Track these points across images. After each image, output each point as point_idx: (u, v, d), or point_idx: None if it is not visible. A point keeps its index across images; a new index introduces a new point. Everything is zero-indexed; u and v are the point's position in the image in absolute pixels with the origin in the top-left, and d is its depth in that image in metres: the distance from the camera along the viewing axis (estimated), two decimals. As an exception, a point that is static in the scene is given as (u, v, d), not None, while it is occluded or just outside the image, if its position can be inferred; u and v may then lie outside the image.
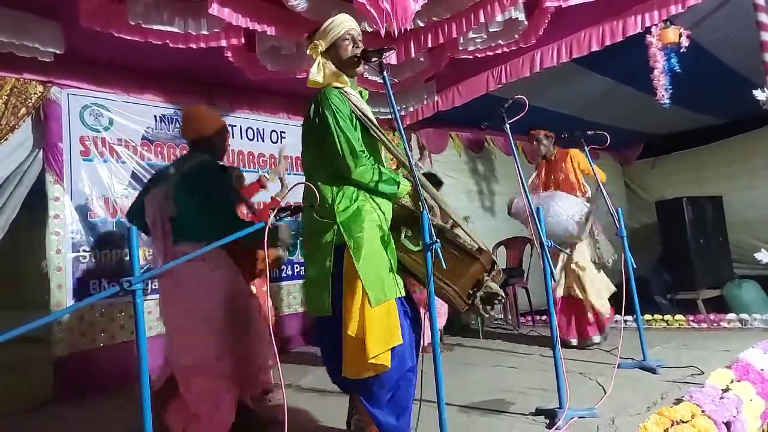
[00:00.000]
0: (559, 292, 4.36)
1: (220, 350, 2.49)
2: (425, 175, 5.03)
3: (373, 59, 2.25)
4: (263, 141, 5.22)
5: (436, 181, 4.87)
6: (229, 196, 2.74)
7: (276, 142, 5.28)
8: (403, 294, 2.25)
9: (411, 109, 5.86)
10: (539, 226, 2.83)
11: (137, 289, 1.29)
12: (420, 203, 2.17)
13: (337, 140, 2.17)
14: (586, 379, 3.28)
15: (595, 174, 4.05)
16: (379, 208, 2.26)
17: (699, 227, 7.54)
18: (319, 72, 2.29)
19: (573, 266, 4.31)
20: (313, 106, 2.27)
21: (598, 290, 4.28)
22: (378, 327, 2.08)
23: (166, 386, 2.55)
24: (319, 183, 2.23)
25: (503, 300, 2.34)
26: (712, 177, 8.41)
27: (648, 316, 5.09)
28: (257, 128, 5.21)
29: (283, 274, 5.08)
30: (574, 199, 4.26)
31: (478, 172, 7.34)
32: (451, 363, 4.09)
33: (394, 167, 3.51)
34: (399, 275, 2.24)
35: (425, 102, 5.73)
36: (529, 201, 2.93)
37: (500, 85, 5.25)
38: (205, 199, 2.57)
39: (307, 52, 2.38)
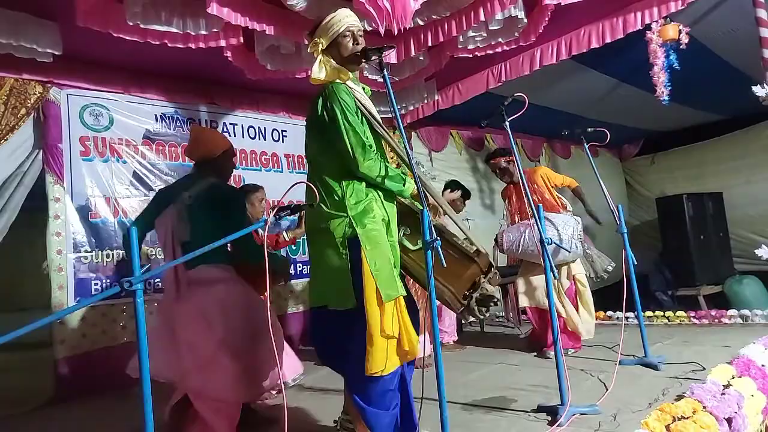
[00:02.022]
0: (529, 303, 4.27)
1: (236, 373, 2.49)
2: (453, 183, 5.04)
3: (373, 58, 2.25)
4: (264, 139, 5.21)
5: (464, 191, 4.86)
6: (245, 218, 2.77)
7: (277, 141, 5.28)
8: (405, 293, 2.25)
9: (411, 108, 5.85)
10: (540, 224, 2.83)
11: (138, 289, 1.29)
12: (421, 201, 2.18)
13: (345, 135, 2.18)
14: (588, 376, 3.28)
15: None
16: (384, 206, 2.27)
17: (699, 223, 7.55)
18: (321, 70, 2.28)
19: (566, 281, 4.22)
20: (320, 100, 2.27)
21: (589, 312, 4.17)
22: (408, 323, 2.13)
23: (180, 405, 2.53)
24: (326, 177, 2.24)
25: (498, 302, 2.34)
26: (712, 173, 8.40)
27: (649, 313, 5.10)
28: (258, 127, 5.19)
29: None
30: (563, 217, 4.09)
31: (479, 170, 7.33)
32: (452, 361, 4.10)
33: (395, 165, 3.48)
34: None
35: (426, 100, 5.72)
36: (529, 198, 2.93)
37: (500, 83, 5.25)
38: (222, 221, 2.57)
39: (308, 50, 2.37)
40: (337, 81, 2.27)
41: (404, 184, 2.27)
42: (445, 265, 2.06)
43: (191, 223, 2.60)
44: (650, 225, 8.71)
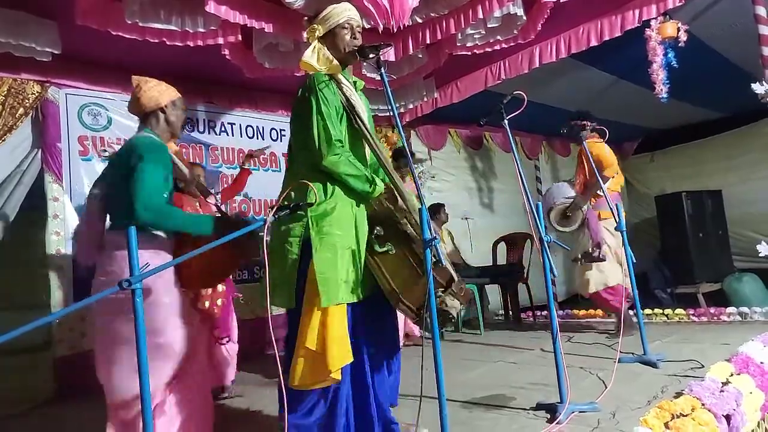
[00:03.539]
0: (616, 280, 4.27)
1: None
2: (398, 150, 4.99)
3: (371, 56, 2.24)
4: (263, 138, 5.21)
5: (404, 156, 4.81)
6: (162, 181, 2.15)
7: (276, 140, 5.27)
8: (360, 298, 2.15)
9: (410, 106, 5.85)
10: (538, 222, 2.83)
11: (137, 289, 1.28)
12: (419, 199, 2.16)
13: (315, 126, 2.14)
14: (587, 374, 3.28)
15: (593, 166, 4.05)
16: (352, 208, 2.20)
17: (699, 221, 7.55)
18: (313, 55, 2.25)
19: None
20: (300, 90, 2.25)
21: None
22: (337, 339, 2.02)
23: None
24: (296, 173, 2.21)
25: (453, 320, 2.25)
26: (711, 171, 8.37)
27: (648, 311, 5.11)
28: (257, 126, 5.21)
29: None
30: (561, 191, 4.26)
31: (477, 168, 7.34)
32: (451, 359, 4.10)
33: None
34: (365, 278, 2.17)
35: (424, 98, 5.72)
36: (528, 196, 2.93)
37: (499, 81, 5.25)
38: (130, 179, 2.07)
39: (304, 35, 2.34)
40: (322, 72, 2.23)
41: (370, 186, 2.20)
42: (443, 265, 2.06)
43: (106, 186, 2.29)
44: (650, 223, 8.70)
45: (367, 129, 2.27)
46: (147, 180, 2.01)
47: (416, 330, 4.59)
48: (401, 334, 4.18)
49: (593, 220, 4.40)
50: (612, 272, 4.29)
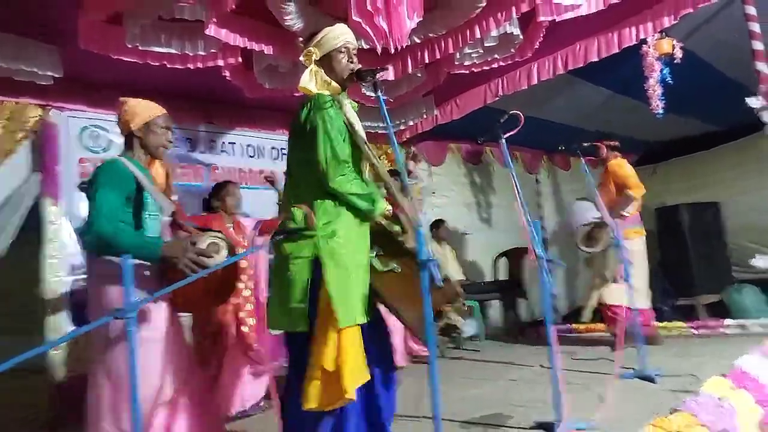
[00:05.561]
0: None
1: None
2: (390, 171, 5.04)
3: (368, 79, 2.28)
4: (263, 157, 5.25)
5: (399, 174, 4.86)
6: (117, 205, 2.11)
7: (276, 159, 5.30)
8: (369, 319, 2.19)
9: (410, 123, 5.90)
10: (536, 239, 2.86)
11: (131, 318, 1.29)
12: (415, 219, 2.18)
13: (322, 146, 2.14)
14: (586, 390, 3.29)
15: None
16: (358, 227, 2.22)
17: (698, 233, 7.57)
18: (311, 80, 2.27)
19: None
20: (305, 109, 2.24)
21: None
22: (352, 359, 2.03)
23: None
24: (301, 194, 2.22)
25: (459, 333, 2.31)
26: (710, 183, 8.40)
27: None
28: (257, 145, 5.22)
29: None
30: (583, 210, 4.24)
31: (476, 184, 7.38)
32: (450, 376, 4.11)
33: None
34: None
35: (424, 116, 5.78)
36: (525, 210, 2.96)
37: (498, 98, 5.29)
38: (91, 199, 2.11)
39: (300, 58, 2.34)
40: (325, 92, 2.24)
41: (374, 205, 2.21)
42: (440, 284, 2.08)
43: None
44: (650, 235, 8.70)
45: (369, 148, 2.29)
46: (96, 205, 2.03)
47: (416, 349, 4.58)
48: (402, 352, 4.19)
49: (627, 240, 4.47)
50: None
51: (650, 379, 3.35)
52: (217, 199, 3.68)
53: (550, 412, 2.77)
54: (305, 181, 2.25)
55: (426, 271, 2.03)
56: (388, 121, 2.27)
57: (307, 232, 2.11)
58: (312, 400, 2.02)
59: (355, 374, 2.04)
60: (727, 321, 4.99)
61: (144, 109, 2.38)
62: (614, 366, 3.43)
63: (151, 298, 1.42)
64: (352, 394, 2.01)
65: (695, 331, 5.00)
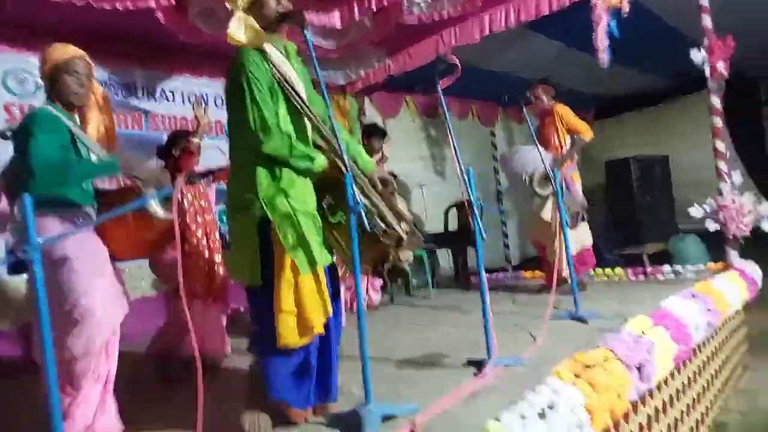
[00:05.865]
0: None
1: None
2: (370, 126, 5.07)
3: (294, 20, 2.22)
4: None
5: (381, 132, 4.88)
6: (57, 149, 2.08)
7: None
8: (331, 262, 2.27)
9: (362, 73, 5.83)
10: (470, 189, 2.93)
11: (35, 259, 1.26)
12: (345, 167, 2.18)
13: (249, 112, 2.08)
14: (520, 331, 3.43)
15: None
16: (301, 179, 2.21)
17: (646, 185, 7.82)
18: (239, 27, 2.18)
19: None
20: (231, 69, 2.18)
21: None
22: (313, 297, 2.09)
23: None
24: (239, 153, 2.20)
25: (408, 274, 2.37)
26: (662, 138, 8.65)
27: (590, 271, 5.29)
28: (200, 93, 5.06)
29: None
30: (536, 155, 4.20)
31: (432, 137, 7.39)
32: (399, 322, 4.23)
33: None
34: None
35: (376, 65, 5.71)
36: (460, 165, 3.01)
37: (450, 48, 5.24)
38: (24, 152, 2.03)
39: (226, 5, 2.26)
40: (249, 47, 2.17)
41: (312, 161, 2.18)
42: (372, 231, 2.12)
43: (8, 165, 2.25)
44: (599, 188, 8.96)
45: (303, 101, 2.23)
46: (38, 147, 1.98)
47: (374, 298, 4.68)
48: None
49: (573, 183, 4.58)
50: (586, 234, 4.63)
51: (583, 320, 3.50)
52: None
53: (483, 351, 2.90)
54: (241, 145, 2.20)
55: (354, 217, 2.07)
56: (317, 65, 2.22)
57: (250, 195, 2.11)
58: (283, 338, 2.05)
59: (320, 312, 2.11)
60: (665, 267, 5.21)
61: (55, 51, 2.23)
62: (548, 308, 3.56)
63: (64, 234, 1.40)
64: (319, 328, 2.10)
65: (633, 278, 5.22)
